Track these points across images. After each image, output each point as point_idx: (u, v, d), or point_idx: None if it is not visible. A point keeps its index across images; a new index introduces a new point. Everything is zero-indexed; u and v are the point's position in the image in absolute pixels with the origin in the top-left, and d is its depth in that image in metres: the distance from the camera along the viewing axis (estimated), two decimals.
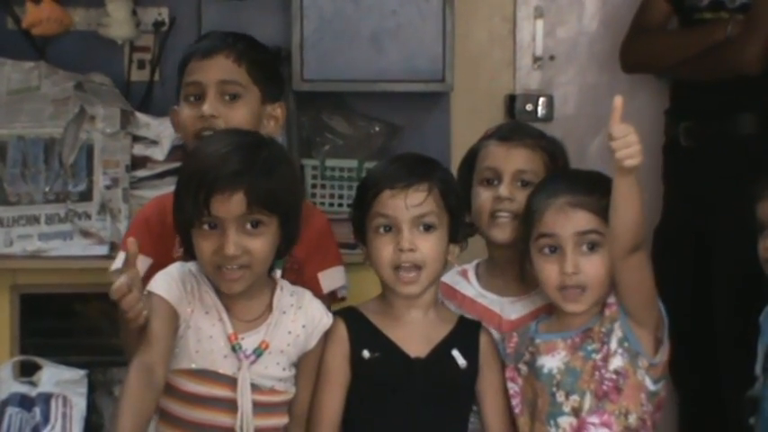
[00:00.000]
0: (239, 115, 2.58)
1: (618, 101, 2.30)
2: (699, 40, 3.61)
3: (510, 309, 2.59)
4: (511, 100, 4.06)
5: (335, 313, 2.49)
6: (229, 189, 2.27)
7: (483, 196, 2.59)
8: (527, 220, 2.48)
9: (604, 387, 2.41)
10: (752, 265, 3.30)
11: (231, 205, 2.28)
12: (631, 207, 2.31)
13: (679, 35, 3.74)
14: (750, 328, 3.11)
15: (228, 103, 2.59)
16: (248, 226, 2.30)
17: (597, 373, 2.41)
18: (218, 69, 2.60)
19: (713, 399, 3.64)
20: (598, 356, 2.42)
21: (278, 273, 2.47)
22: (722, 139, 3.58)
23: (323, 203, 3.71)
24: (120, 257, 2.47)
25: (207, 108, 2.56)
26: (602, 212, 2.40)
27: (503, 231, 2.57)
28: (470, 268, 2.66)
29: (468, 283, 2.65)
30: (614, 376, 2.40)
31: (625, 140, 2.27)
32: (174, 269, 2.37)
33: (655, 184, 3.72)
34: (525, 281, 2.57)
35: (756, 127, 3.57)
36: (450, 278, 2.64)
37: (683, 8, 3.71)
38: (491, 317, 2.59)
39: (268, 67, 2.71)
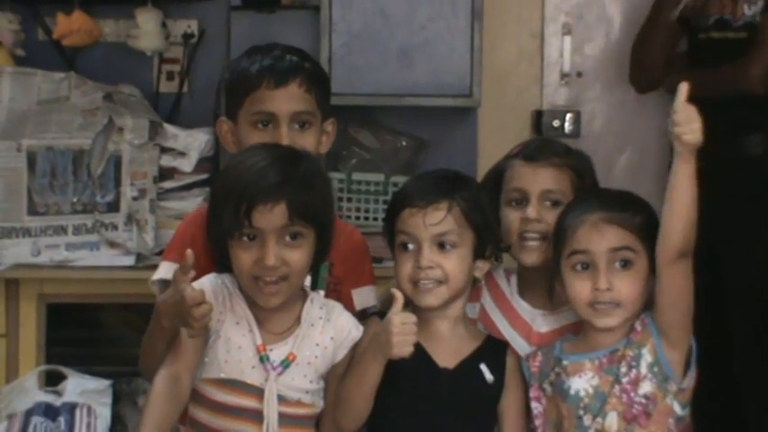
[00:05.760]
0: (309, 142, 2.57)
1: (684, 86, 2.32)
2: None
3: (541, 321, 2.59)
4: (538, 116, 4.06)
5: (371, 314, 2.51)
6: (272, 200, 2.28)
7: (511, 217, 2.58)
8: (558, 238, 2.46)
9: (633, 411, 2.38)
10: (766, 284, 3.30)
11: (273, 216, 2.29)
12: (685, 200, 2.31)
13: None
14: None
15: (300, 132, 2.58)
16: (287, 238, 2.32)
17: (625, 395, 2.38)
18: (291, 100, 2.57)
19: (731, 422, 3.62)
20: (626, 380, 2.39)
21: (321, 293, 2.49)
22: (731, 160, 3.58)
23: (349, 217, 3.71)
24: (164, 267, 2.47)
25: (284, 140, 2.54)
26: (636, 229, 2.39)
27: (530, 255, 2.56)
28: (514, 272, 2.66)
29: (507, 284, 2.65)
30: (644, 401, 2.38)
31: (687, 117, 2.30)
32: (207, 280, 2.38)
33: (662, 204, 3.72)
34: (553, 300, 2.57)
35: (765, 147, 3.57)
36: (496, 272, 2.65)
37: (690, 28, 3.72)
38: (522, 325, 2.59)
39: (328, 87, 2.71)
